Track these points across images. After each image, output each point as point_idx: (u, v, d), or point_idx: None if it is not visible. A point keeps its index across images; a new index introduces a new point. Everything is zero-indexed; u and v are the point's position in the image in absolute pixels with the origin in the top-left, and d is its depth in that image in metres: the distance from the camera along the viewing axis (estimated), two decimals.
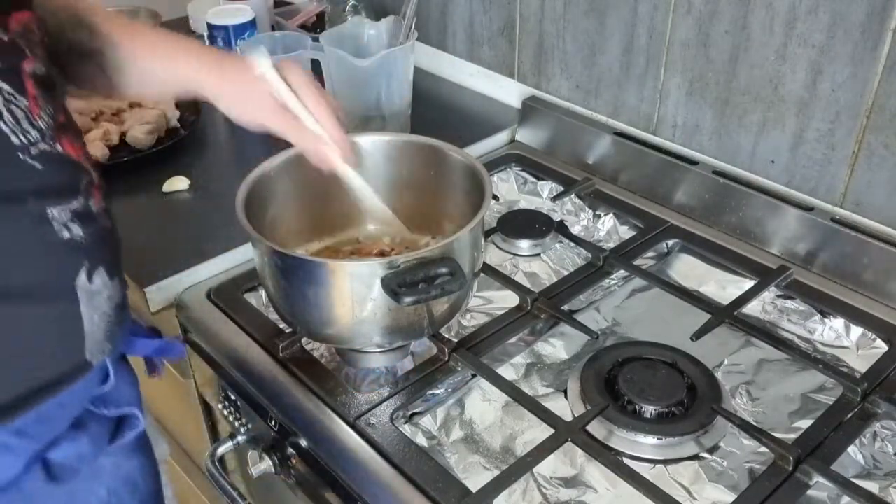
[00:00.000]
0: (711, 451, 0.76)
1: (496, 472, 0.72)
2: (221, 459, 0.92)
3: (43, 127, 0.61)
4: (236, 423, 0.93)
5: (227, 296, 0.94)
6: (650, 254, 1.01)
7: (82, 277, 0.65)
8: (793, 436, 0.75)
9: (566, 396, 0.82)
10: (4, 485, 0.65)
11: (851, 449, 0.75)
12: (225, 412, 0.95)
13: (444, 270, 0.71)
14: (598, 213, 1.09)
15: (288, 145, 0.82)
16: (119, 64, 0.78)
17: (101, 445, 0.74)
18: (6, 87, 0.58)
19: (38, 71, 0.63)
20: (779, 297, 0.94)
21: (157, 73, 0.80)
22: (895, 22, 0.84)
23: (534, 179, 1.17)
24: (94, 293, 0.66)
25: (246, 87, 0.77)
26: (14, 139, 0.59)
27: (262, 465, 0.87)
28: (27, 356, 0.63)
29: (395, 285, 0.70)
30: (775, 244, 0.99)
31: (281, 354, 0.84)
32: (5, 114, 0.58)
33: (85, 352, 0.66)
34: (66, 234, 0.63)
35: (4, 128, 0.58)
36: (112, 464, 0.76)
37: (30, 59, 0.62)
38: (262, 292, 0.94)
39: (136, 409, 0.77)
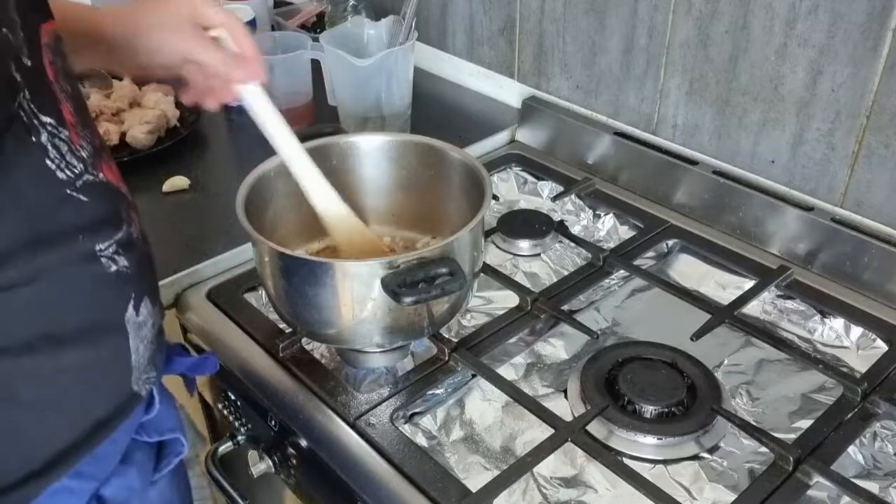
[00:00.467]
0: (711, 451, 0.76)
1: (496, 472, 0.72)
2: (221, 459, 0.92)
3: (85, 156, 0.59)
4: (236, 423, 0.93)
5: (227, 296, 0.94)
6: (650, 254, 1.01)
7: (130, 310, 0.63)
8: (793, 436, 0.75)
9: (566, 396, 0.82)
10: None
11: (851, 449, 0.75)
12: (225, 412, 0.95)
13: (443, 270, 0.71)
14: (598, 213, 1.09)
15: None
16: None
17: (147, 475, 0.74)
18: (49, 119, 0.55)
19: (68, 89, 0.59)
20: (779, 297, 0.94)
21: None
22: (895, 22, 0.84)
23: (534, 179, 1.17)
24: (140, 324, 0.64)
25: (167, 17, 0.71)
26: (60, 174, 0.56)
27: (262, 465, 0.87)
28: (82, 398, 0.61)
29: (395, 285, 0.70)
30: (775, 244, 0.99)
31: (281, 354, 0.84)
32: (51, 150, 0.55)
33: (132, 384, 0.65)
34: (113, 268, 0.61)
35: (51, 164, 0.55)
36: (158, 495, 0.76)
37: (59, 79, 0.58)
38: (262, 292, 0.94)
39: (179, 434, 0.76)
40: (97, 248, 0.59)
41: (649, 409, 0.77)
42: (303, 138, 0.83)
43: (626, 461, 0.74)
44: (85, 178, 0.58)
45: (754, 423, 0.77)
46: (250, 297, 0.94)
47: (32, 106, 0.54)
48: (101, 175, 0.61)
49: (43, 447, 0.60)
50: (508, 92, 1.33)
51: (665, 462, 0.75)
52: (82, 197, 0.58)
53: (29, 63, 0.54)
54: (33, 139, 0.54)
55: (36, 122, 0.54)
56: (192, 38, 0.71)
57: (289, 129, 0.78)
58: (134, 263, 0.63)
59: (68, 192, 0.57)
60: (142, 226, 0.68)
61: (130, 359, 0.64)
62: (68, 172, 0.57)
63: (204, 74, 0.74)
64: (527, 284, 0.96)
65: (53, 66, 0.58)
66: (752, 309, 0.92)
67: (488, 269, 0.95)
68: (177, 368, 0.77)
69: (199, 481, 0.93)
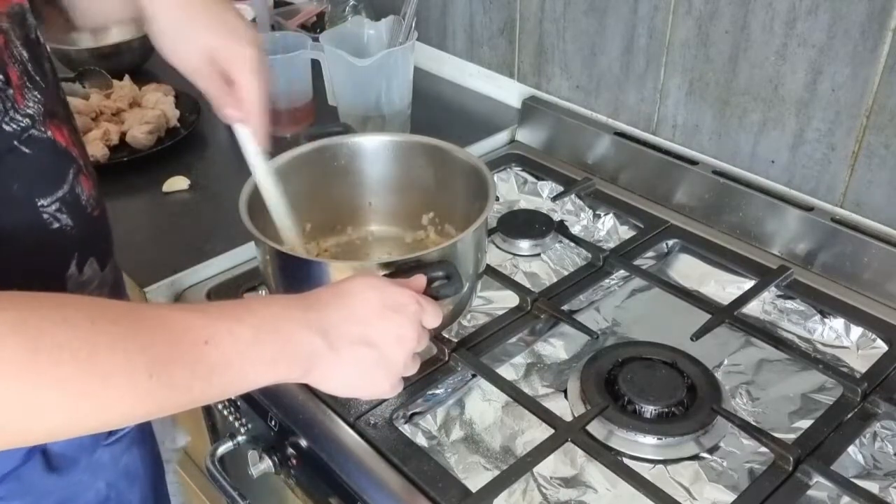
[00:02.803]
0: (711, 451, 0.76)
1: (496, 472, 0.72)
2: (221, 459, 0.92)
3: (32, 113, 0.62)
4: (236, 423, 0.93)
5: (227, 296, 0.93)
6: (650, 254, 1.01)
7: (73, 268, 0.65)
8: (793, 436, 0.75)
9: (566, 396, 0.82)
10: (4, 475, 0.65)
11: (851, 449, 0.75)
12: (225, 412, 0.95)
13: (440, 274, 0.71)
14: (598, 213, 1.09)
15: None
16: None
17: (100, 436, 0.74)
18: None
19: (21, 56, 0.62)
20: (779, 297, 0.94)
21: None
22: (895, 22, 0.84)
23: (534, 179, 1.17)
24: (83, 284, 0.66)
25: (189, 28, 0.74)
26: (6, 127, 0.59)
27: (262, 465, 0.87)
28: None
29: None
30: (775, 244, 1.00)
31: None
32: None
33: None
34: (55, 224, 0.63)
35: None
36: (111, 456, 0.76)
37: (10, 47, 0.61)
38: (262, 292, 0.94)
39: None
40: (38, 202, 0.62)
41: (649, 409, 0.77)
42: (312, 137, 0.88)
43: (626, 461, 0.74)
44: (31, 132, 0.61)
45: (754, 423, 0.77)
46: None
47: None
48: (48, 133, 0.63)
49: None
50: (508, 92, 1.33)
51: (665, 462, 0.75)
52: (24, 149, 0.61)
53: None
54: None
55: None
56: (202, 71, 0.76)
57: (267, 169, 0.82)
58: (79, 224, 0.65)
59: (14, 143, 0.60)
60: (98, 194, 0.70)
61: None
62: (14, 126, 0.60)
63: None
64: (527, 284, 0.96)
65: (6, 35, 0.61)
66: (752, 309, 0.92)
67: (488, 269, 0.94)
68: None
69: (173, 478, 0.93)
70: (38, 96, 0.63)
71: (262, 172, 0.81)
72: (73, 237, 0.65)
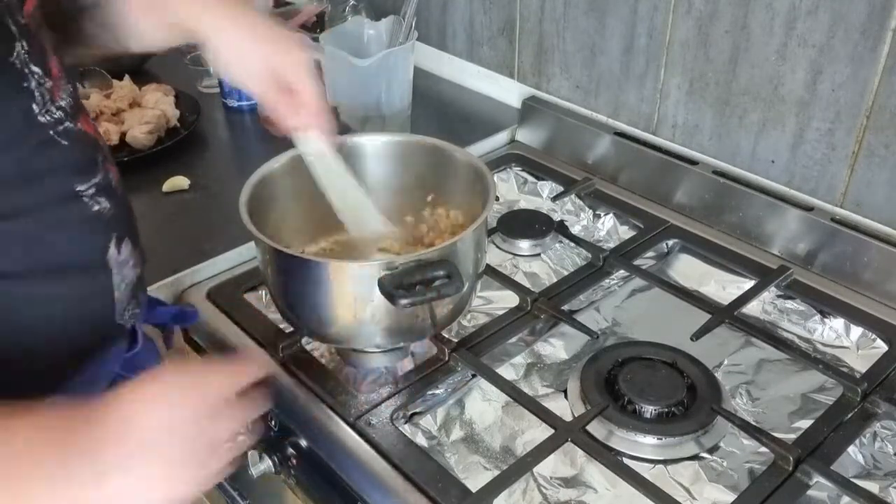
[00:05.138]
0: (711, 451, 0.76)
1: (496, 472, 0.72)
2: None
3: (65, 105, 0.64)
4: None
5: (228, 296, 0.94)
6: (650, 254, 1.01)
7: (112, 249, 0.67)
8: (793, 436, 0.75)
9: (566, 396, 0.82)
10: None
11: (851, 449, 0.75)
12: None
13: (441, 273, 0.71)
14: (598, 213, 1.09)
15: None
16: (115, 18, 0.77)
17: (121, 350, 0.76)
18: (37, 69, 0.61)
19: (54, 51, 0.64)
20: (779, 297, 0.94)
21: (151, 22, 0.77)
22: (895, 22, 0.84)
23: (534, 179, 1.17)
24: (122, 263, 0.69)
25: (247, 46, 0.76)
26: (42, 119, 0.61)
27: (262, 465, 0.87)
28: (71, 325, 0.66)
29: (392, 287, 0.70)
30: (775, 244, 1.00)
31: (281, 354, 0.84)
32: (37, 95, 0.61)
33: (116, 317, 0.70)
34: (95, 207, 0.66)
35: (36, 108, 0.60)
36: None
37: (46, 42, 0.63)
38: (262, 292, 0.94)
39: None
40: (77, 188, 0.65)
41: (649, 409, 0.77)
42: None
43: (626, 461, 0.74)
44: (65, 124, 0.64)
45: (754, 423, 0.77)
46: (250, 297, 0.94)
47: (26, 57, 0.59)
48: (79, 125, 0.66)
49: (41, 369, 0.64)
50: (508, 92, 1.33)
51: (665, 462, 0.75)
52: (62, 140, 0.63)
53: (22, 21, 0.61)
54: (24, 85, 0.59)
55: (27, 70, 0.60)
56: (265, 84, 0.77)
57: (343, 167, 0.82)
58: (113, 206, 0.68)
59: (51, 133, 0.62)
60: (119, 179, 0.72)
61: (113, 293, 0.69)
62: (49, 117, 0.62)
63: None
64: (527, 284, 0.96)
65: (41, 30, 0.63)
66: (752, 309, 0.92)
67: (488, 269, 0.94)
68: (160, 317, 0.83)
69: None
70: (71, 89, 0.65)
71: (338, 171, 0.82)
72: (109, 219, 0.68)
